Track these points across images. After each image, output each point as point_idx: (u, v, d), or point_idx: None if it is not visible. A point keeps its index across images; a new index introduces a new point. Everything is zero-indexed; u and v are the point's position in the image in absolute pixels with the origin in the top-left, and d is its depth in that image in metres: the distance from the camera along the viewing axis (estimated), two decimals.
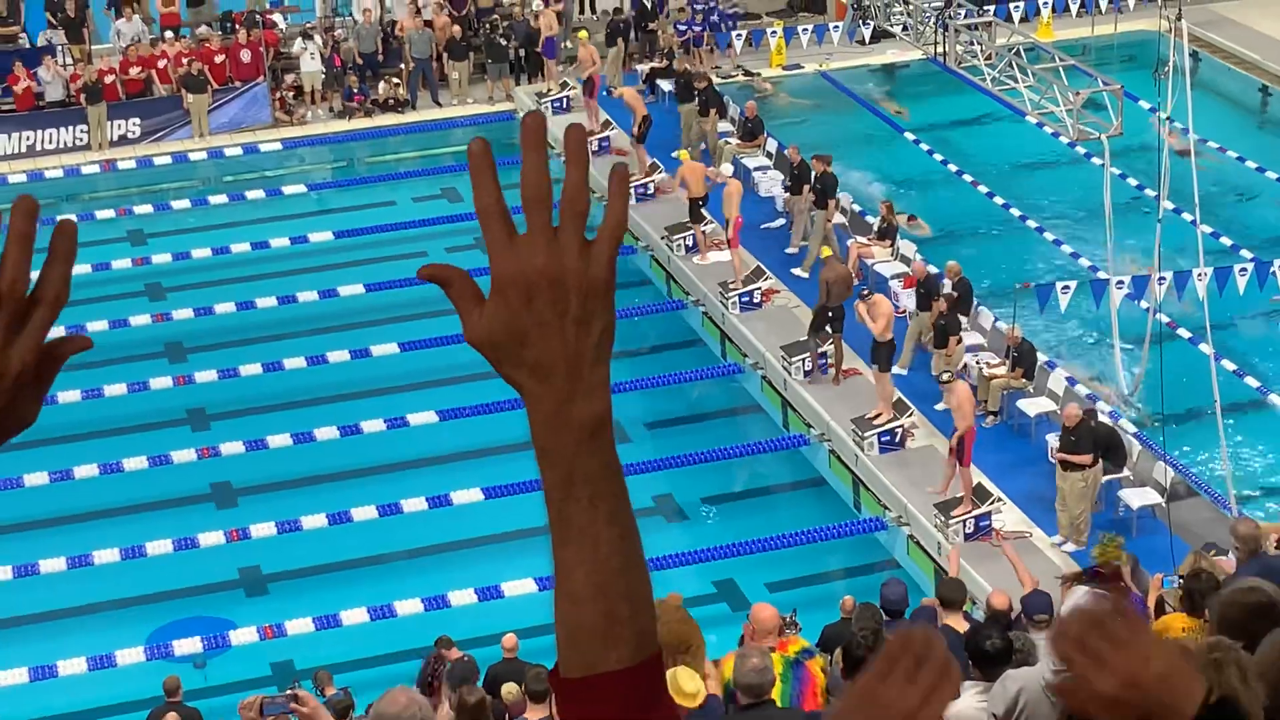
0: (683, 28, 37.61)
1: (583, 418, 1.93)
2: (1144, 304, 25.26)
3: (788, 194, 29.93)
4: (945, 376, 23.00)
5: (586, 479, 1.94)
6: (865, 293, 24.70)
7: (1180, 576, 14.92)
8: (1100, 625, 2.32)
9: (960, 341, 24.67)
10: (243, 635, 21.84)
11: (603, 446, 1.95)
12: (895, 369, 24.63)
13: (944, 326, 24.46)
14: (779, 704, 9.78)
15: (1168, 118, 24.53)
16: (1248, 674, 2.65)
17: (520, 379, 1.94)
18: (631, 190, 26.91)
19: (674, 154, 31.05)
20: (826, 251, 26.76)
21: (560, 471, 1.94)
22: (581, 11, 39.43)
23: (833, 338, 25.38)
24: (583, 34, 35.97)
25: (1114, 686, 2.32)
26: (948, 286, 26.20)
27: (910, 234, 29.51)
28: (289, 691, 8.65)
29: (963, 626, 13.03)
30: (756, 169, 31.83)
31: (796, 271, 28.50)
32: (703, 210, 29.41)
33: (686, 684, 8.78)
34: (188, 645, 21.72)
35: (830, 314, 25.26)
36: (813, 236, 28.58)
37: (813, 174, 28.87)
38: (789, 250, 29.32)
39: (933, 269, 26.11)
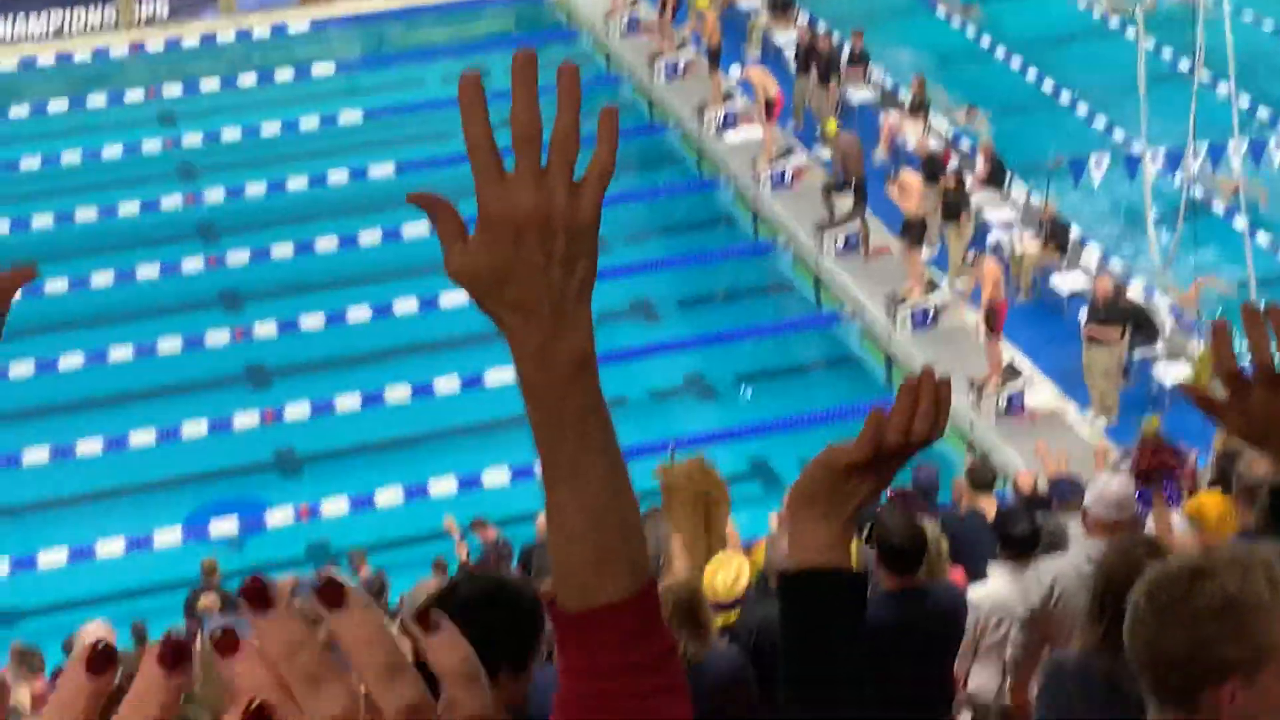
0: None
1: (568, 354, 1.94)
2: (1178, 178, 25.08)
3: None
4: (970, 257, 22.89)
5: (574, 415, 1.96)
6: (891, 175, 24.51)
7: (1217, 454, 14.91)
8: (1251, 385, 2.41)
9: (970, 218, 24.46)
10: (278, 516, 22.02)
11: (588, 383, 1.96)
12: (924, 248, 24.55)
13: (954, 203, 24.25)
14: None
15: None
16: (1277, 581, 2.67)
17: (502, 315, 1.95)
18: (662, 68, 26.74)
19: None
20: (832, 124, 26.65)
21: (547, 409, 1.96)
22: None
23: (860, 212, 25.31)
24: None
25: (1245, 430, 2.44)
26: (979, 162, 26.11)
27: (970, 128, 29.09)
28: (322, 575, 8.79)
29: (992, 507, 13.07)
30: (788, 44, 31.55)
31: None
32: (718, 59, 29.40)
33: (720, 582, 8.82)
34: (224, 526, 21.90)
35: (852, 185, 25.22)
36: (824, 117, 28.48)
37: (819, 54, 28.62)
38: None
39: (934, 143, 26.03)
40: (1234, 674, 2.74)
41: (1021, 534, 8.90)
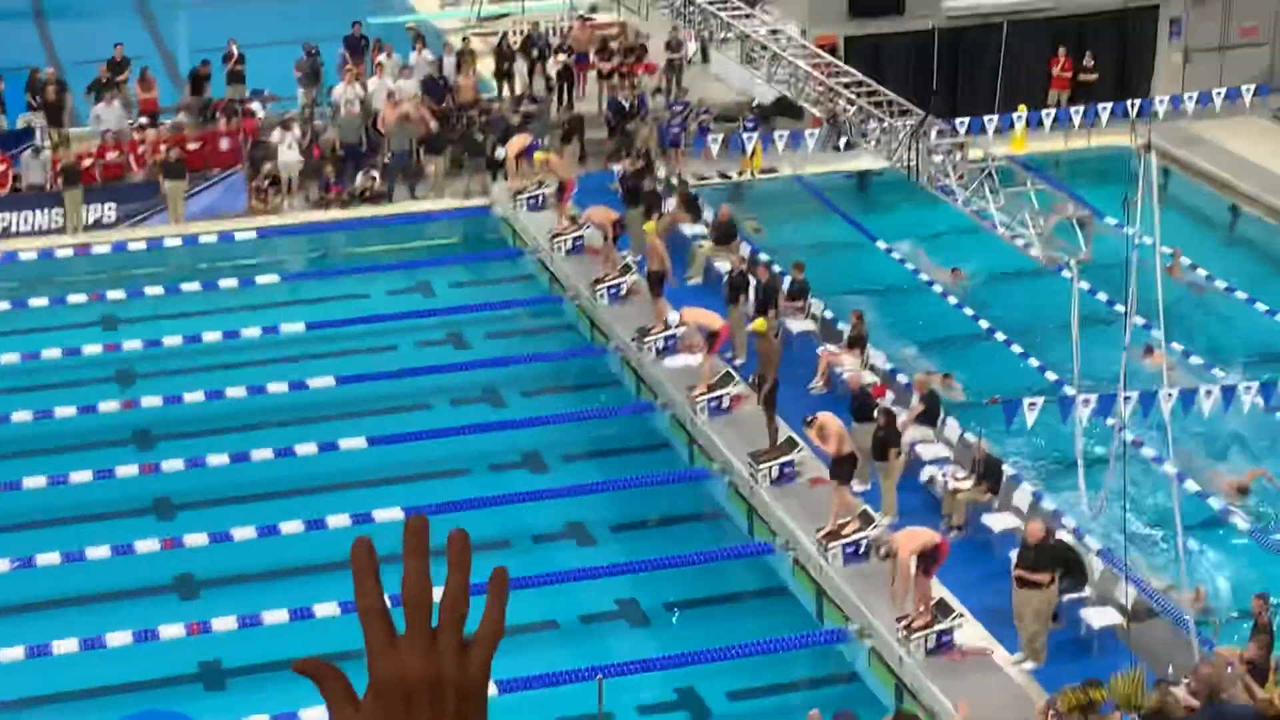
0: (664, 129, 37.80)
1: None
2: (1110, 422, 25.35)
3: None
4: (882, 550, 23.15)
5: None
6: (809, 418, 24.65)
7: (1138, 712, 15.03)
8: None
9: (899, 455, 24.70)
10: None
11: None
12: (855, 484, 24.71)
13: (883, 439, 24.49)
14: None
15: (1146, 238, 24.60)
16: None
17: None
18: (605, 291, 27.00)
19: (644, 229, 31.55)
20: (763, 324, 26.98)
21: None
22: (563, 106, 39.58)
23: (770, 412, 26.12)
24: (549, 154, 35.91)
25: None
26: (914, 399, 26.39)
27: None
28: None
29: None
30: (729, 274, 31.92)
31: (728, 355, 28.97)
32: (664, 283, 29.78)
33: None
34: None
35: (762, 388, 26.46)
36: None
37: (753, 282, 29.12)
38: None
39: (868, 378, 26.41)
40: None
41: None
